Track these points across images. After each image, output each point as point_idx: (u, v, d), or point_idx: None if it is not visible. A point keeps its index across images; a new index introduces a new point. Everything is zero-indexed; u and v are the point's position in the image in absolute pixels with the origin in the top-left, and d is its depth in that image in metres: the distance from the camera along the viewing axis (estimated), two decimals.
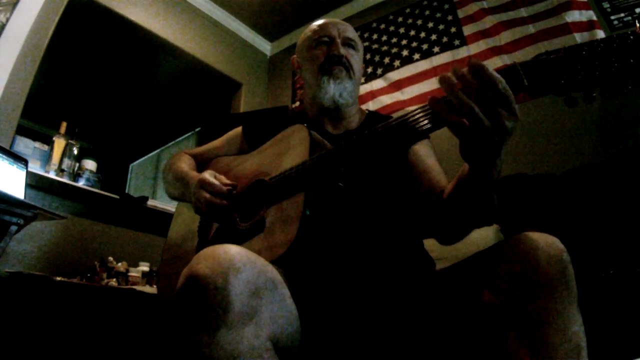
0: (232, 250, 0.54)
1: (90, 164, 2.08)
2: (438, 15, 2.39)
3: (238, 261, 0.53)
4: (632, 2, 1.77)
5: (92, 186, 2.00)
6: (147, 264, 1.84)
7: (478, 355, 0.61)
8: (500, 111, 0.52)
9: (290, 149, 0.84)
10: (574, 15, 1.86)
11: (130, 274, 1.70)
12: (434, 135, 1.01)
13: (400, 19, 2.56)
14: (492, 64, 2.03)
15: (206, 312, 0.48)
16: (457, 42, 2.24)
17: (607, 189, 1.43)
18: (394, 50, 2.49)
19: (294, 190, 0.76)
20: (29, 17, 1.81)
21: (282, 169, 0.81)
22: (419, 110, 0.62)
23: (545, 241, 0.58)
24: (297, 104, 2.82)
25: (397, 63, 2.45)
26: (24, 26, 1.79)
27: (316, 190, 0.75)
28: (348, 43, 1.02)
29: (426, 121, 0.61)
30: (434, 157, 0.95)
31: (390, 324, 0.69)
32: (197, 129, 3.76)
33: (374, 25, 2.67)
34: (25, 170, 1.52)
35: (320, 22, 1.06)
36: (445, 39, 2.30)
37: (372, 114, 1.08)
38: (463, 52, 2.20)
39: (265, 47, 3.28)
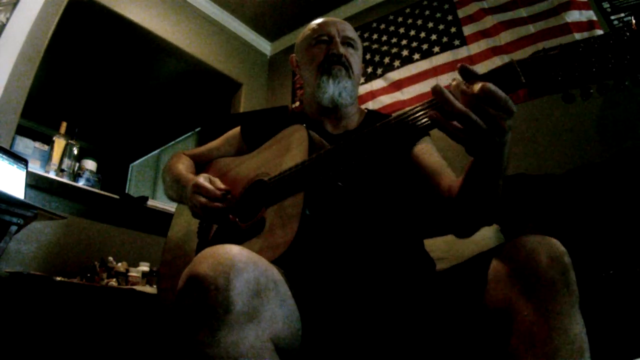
0: (234, 251, 0.54)
1: (90, 164, 2.08)
2: (438, 15, 2.39)
3: (239, 261, 0.53)
4: (632, 2, 1.77)
5: (92, 186, 2.00)
6: (147, 264, 1.83)
7: (479, 357, 0.61)
8: (495, 113, 0.53)
9: (289, 149, 0.84)
10: (574, 15, 1.86)
11: (130, 274, 1.70)
12: (435, 134, 1.02)
13: (400, 19, 2.56)
14: (492, 64, 2.03)
15: (207, 312, 0.48)
16: (457, 42, 2.24)
17: (607, 189, 1.43)
18: (394, 50, 2.49)
19: (293, 190, 0.76)
20: (29, 17, 1.81)
21: (281, 169, 0.81)
22: (418, 108, 0.62)
23: (547, 244, 0.58)
24: (297, 104, 2.82)
25: (397, 63, 2.45)
26: (24, 26, 1.79)
27: (316, 190, 0.75)
28: (347, 42, 1.01)
29: (425, 119, 0.61)
30: (437, 154, 0.94)
31: (391, 324, 0.69)
32: (197, 129, 3.76)
33: (374, 25, 2.67)
34: (25, 170, 1.52)
35: (319, 20, 1.06)
36: (445, 39, 2.30)
37: (371, 113, 1.08)
38: (463, 52, 2.20)
39: (265, 47, 3.27)
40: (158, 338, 1.40)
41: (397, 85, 2.38)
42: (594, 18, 1.82)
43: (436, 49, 2.31)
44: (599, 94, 0.53)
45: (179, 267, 0.93)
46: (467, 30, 2.23)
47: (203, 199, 0.83)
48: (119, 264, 1.73)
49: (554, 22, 1.91)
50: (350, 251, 0.78)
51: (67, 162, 1.96)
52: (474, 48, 2.16)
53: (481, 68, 0.60)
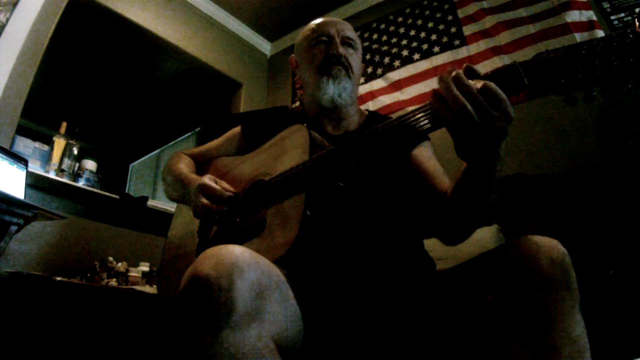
0: (236, 251, 0.54)
1: (90, 164, 2.08)
2: (438, 15, 2.39)
3: (242, 262, 0.53)
4: (632, 2, 1.77)
5: (92, 186, 2.00)
6: (147, 264, 1.83)
7: (480, 357, 0.61)
8: (491, 111, 0.54)
9: (290, 149, 0.84)
10: (574, 15, 1.86)
11: (130, 274, 1.70)
12: (434, 137, 1.02)
13: (400, 19, 2.56)
14: (492, 64, 2.03)
15: (210, 312, 0.48)
16: (457, 42, 2.24)
17: (607, 189, 1.44)
18: (394, 50, 2.49)
19: (294, 190, 0.76)
20: (29, 17, 1.81)
21: (282, 169, 0.81)
22: (419, 110, 0.62)
23: (547, 244, 0.59)
24: (297, 104, 2.82)
25: (397, 63, 2.45)
26: (24, 26, 1.78)
27: (316, 191, 0.75)
28: (347, 42, 1.01)
29: (426, 121, 0.61)
30: (435, 159, 0.94)
31: (392, 324, 0.69)
32: (197, 129, 3.76)
33: (374, 25, 2.67)
34: (25, 170, 1.52)
35: (318, 20, 1.05)
36: (445, 39, 2.30)
37: (372, 114, 1.08)
38: (463, 52, 2.20)
39: (265, 47, 3.27)
40: (158, 338, 1.40)
41: (397, 85, 2.38)
42: (594, 18, 1.82)
43: (436, 49, 2.31)
44: (601, 97, 0.53)
45: (180, 267, 0.93)
46: (467, 30, 2.23)
47: (206, 201, 0.83)
48: (119, 264, 1.72)
49: (554, 22, 1.91)
50: (351, 251, 0.78)
51: (67, 162, 1.96)
52: (474, 48, 2.16)
53: (481, 68, 0.60)
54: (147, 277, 1.76)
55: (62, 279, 1.49)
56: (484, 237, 1.52)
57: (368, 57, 2.57)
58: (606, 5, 1.83)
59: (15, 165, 1.47)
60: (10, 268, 1.57)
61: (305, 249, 0.71)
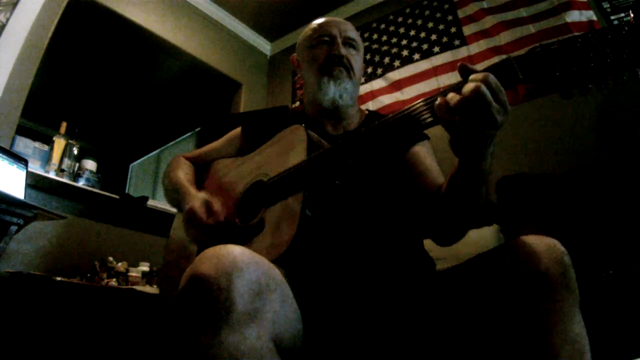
0: (236, 251, 0.54)
1: (90, 164, 2.08)
2: (438, 15, 2.39)
3: (241, 261, 0.52)
4: (632, 2, 1.77)
5: (92, 186, 2.00)
6: (147, 264, 1.83)
7: (479, 357, 0.61)
8: (491, 102, 0.54)
9: (288, 149, 0.84)
10: (574, 15, 1.86)
11: (130, 274, 1.70)
12: (434, 138, 1.02)
13: (400, 19, 2.56)
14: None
15: (209, 312, 0.48)
16: (457, 42, 2.24)
17: (606, 189, 1.43)
18: (394, 50, 2.49)
19: (292, 189, 0.76)
20: (29, 17, 1.81)
21: (280, 169, 0.81)
22: (416, 106, 0.63)
23: (547, 244, 0.58)
24: (297, 104, 2.82)
25: (397, 63, 2.45)
26: (24, 26, 1.79)
27: (315, 190, 0.75)
28: (349, 43, 1.01)
29: (424, 116, 0.61)
30: (433, 158, 0.94)
31: (391, 323, 0.69)
32: (197, 129, 3.76)
33: (374, 25, 2.67)
34: (25, 170, 1.52)
35: (321, 20, 1.05)
36: (445, 39, 2.30)
37: (372, 114, 1.08)
38: (463, 52, 2.20)
39: (265, 47, 3.27)
40: (159, 338, 1.40)
41: (397, 85, 2.38)
42: (594, 18, 1.82)
43: (436, 49, 2.31)
44: (597, 90, 0.53)
45: (182, 268, 0.93)
46: (467, 30, 2.23)
47: (194, 231, 0.84)
48: (119, 264, 1.72)
49: (554, 22, 1.91)
50: (350, 251, 0.78)
51: (67, 162, 1.96)
52: (474, 48, 2.16)
53: (481, 68, 0.60)
54: (147, 277, 1.76)
55: (62, 279, 1.49)
56: (484, 237, 1.52)
57: (368, 57, 2.57)
58: (606, 5, 1.83)
59: (15, 165, 1.47)
60: (10, 268, 1.57)
61: (305, 248, 0.71)
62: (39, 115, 3.37)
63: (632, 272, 1.14)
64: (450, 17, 2.33)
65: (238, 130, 1.10)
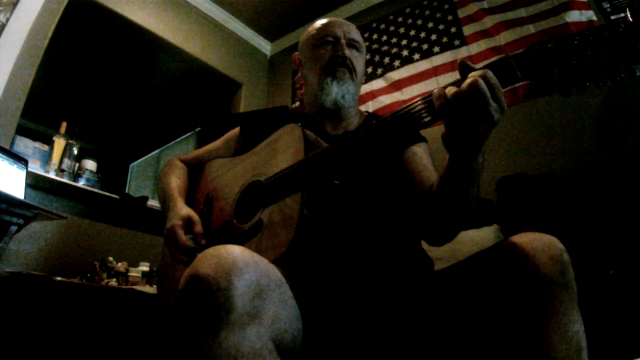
0: (235, 251, 0.54)
1: (90, 164, 2.08)
2: (438, 15, 2.39)
3: (241, 262, 0.52)
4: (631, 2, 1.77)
5: (92, 186, 2.00)
6: (147, 264, 1.83)
7: (478, 356, 0.61)
8: (489, 99, 0.54)
9: (285, 149, 0.84)
10: (574, 15, 1.86)
11: (130, 274, 1.70)
12: (430, 140, 1.03)
13: (400, 19, 2.56)
14: None
15: (209, 313, 0.48)
16: (457, 42, 2.24)
17: (607, 188, 1.43)
18: (394, 50, 2.49)
19: (290, 189, 0.76)
20: (29, 17, 1.81)
21: (277, 169, 0.81)
22: (414, 105, 0.63)
23: (545, 241, 0.58)
24: (297, 104, 2.82)
25: (397, 63, 2.45)
26: (24, 26, 1.79)
27: (313, 189, 0.75)
28: (352, 44, 1.01)
29: (422, 115, 0.61)
30: (429, 159, 0.95)
31: (390, 323, 0.69)
32: (197, 129, 3.76)
33: (374, 25, 2.67)
34: (25, 170, 1.52)
35: (325, 20, 1.04)
36: (445, 39, 2.30)
37: (371, 115, 1.08)
38: (463, 52, 2.20)
39: (265, 47, 3.27)
40: (158, 338, 1.40)
41: (397, 86, 2.38)
42: (594, 18, 1.82)
43: (436, 49, 2.31)
44: (595, 87, 0.53)
45: (179, 269, 0.93)
46: (467, 30, 2.23)
47: (171, 252, 0.83)
48: (119, 264, 1.73)
49: (554, 22, 1.91)
50: (348, 251, 0.78)
51: (67, 162, 1.96)
52: (474, 48, 2.16)
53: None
54: (147, 277, 1.76)
55: (62, 279, 1.50)
56: (484, 237, 1.52)
57: (368, 57, 2.57)
58: (606, 5, 1.83)
59: (15, 165, 1.47)
60: (10, 268, 1.57)
61: (304, 248, 0.71)
62: (39, 115, 3.37)
63: (632, 272, 1.14)
64: (450, 17, 2.33)
65: (237, 130, 1.10)
